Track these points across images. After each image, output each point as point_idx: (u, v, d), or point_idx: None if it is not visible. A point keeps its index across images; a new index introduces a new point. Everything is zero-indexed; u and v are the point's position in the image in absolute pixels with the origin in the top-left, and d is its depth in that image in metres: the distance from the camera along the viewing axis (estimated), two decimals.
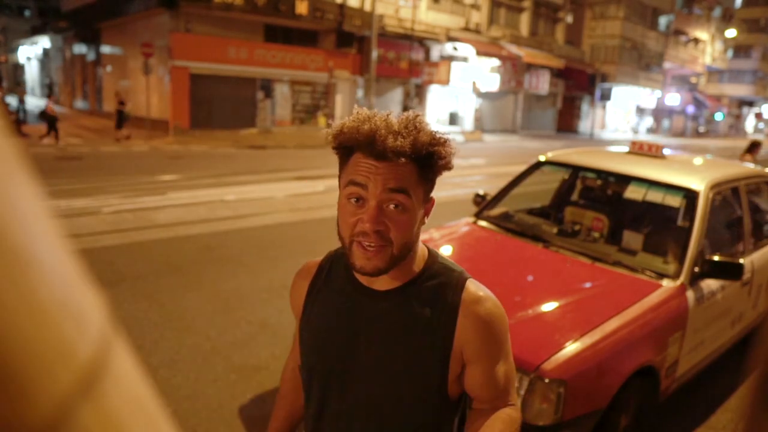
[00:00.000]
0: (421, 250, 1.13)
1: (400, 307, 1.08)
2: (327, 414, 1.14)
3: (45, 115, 15.25)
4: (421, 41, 24.93)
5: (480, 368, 1.08)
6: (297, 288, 1.22)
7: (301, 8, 19.50)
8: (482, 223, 3.79)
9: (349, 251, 1.02)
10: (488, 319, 1.08)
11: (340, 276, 1.16)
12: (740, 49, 51.92)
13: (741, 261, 2.97)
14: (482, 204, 4.09)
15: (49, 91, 16.11)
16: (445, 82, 25.39)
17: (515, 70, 28.78)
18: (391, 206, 0.99)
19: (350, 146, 1.01)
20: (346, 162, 1.03)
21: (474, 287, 1.10)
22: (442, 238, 3.57)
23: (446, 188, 10.76)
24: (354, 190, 0.99)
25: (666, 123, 45.29)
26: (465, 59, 26.32)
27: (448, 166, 1.06)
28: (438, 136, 1.02)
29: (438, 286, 1.09)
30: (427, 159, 1.00)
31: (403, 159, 0.98)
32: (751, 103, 55.79)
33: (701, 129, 48.18)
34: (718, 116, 49.43)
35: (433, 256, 1.14)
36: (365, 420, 1.10)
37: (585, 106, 36.67)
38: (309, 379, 1.17)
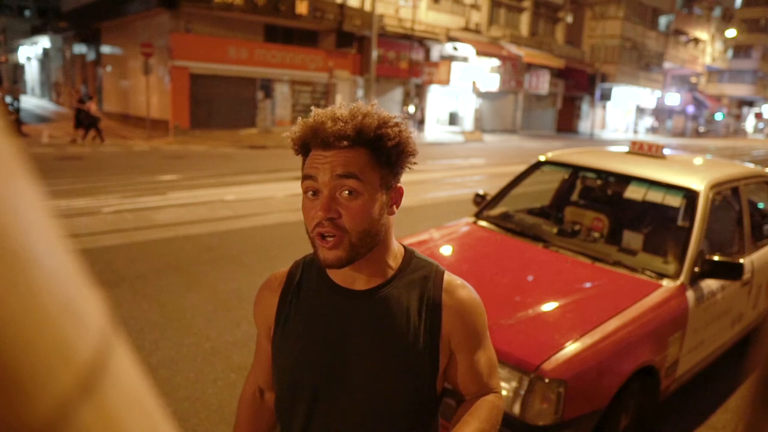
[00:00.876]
0: (398, 248, 1.13)
1: (383, 304, 1.07)
2: (315, 426, 1.10)
3: (87, 116, 15.41)
4: (421, 41, 24.93)
5: (465, 357, 1.11)
6: (264, 302, 1.18)
7: (301, 8, 19.50)
8: (482, 223, 3.80)
9: (314, 246, 1.03)
10: (470, 308, 1.11)
11: (314, 282, 1.13)
12: (740, 49, 51.91)
13: (741, 261, 2.97)
14: (482, 204, 4.09)
15: (75, 93, 16.19)
16: (445, 82, 25.39)
17: (515, 70, 28.78)
18: (345, 193, 0.98)
19: (305, 144, 1.03)
20: (305, 160, 1.05)
21: (452, 278, 1.14)
22: (442, 238, 3.58)
23: (446, 188, 10.76)
24: (308, 183, 1.00)
25: (669, 123, 45.26)
26: (465, 59, 26.33)
27: (406, 150, 1.04)
28: (388, 118, 1.02)
29: (418, 280, 1.10)
30: (376, 142, 1.00)
31: (345, 142, 0.98)
32: (751, 103, 55.77)
33: (701, 129, 48.18)
34: (718, 116, 49.41)
35: (409, 252, 1.15)
36: (360, 424, 1.08)
37: (585, 106, 36.67)
38: (291, 394, 1.12)
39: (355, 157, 0.99)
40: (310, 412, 1.10)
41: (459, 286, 1.12)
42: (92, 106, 15.51)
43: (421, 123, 25.25)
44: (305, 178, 1.01)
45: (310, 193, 1.01)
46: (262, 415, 1.25)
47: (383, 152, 1.01)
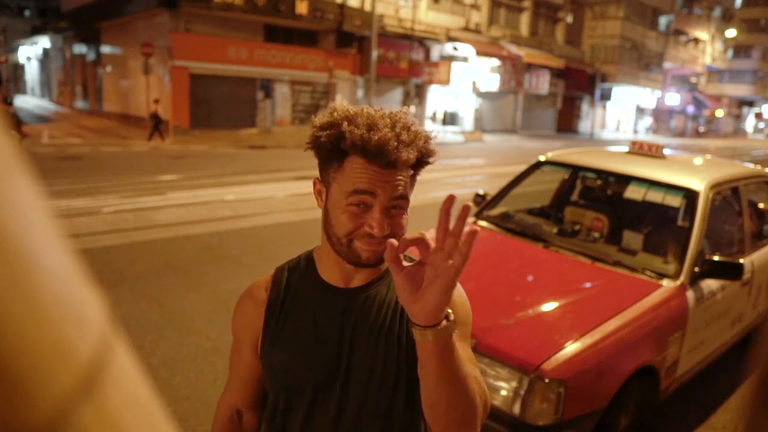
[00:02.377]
0: None
1: (378, 298, 1.09)
2: (314, 428, 1.09)
3: (155, 117, 16.55)
4: (421, 41, 24.92)
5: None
6: (247, 313, 1.14)
7: (301, 8, 19.50)
8: (482, 223, 3.80)
9: (347, 248, 1.01)
10: (458, 299, 1.13)
11: (306, 285, 1.12)
12: (740, 49, 51.90)
13: (741, 261, 2.97)
14: (482, 204, 4.09)
15: (154, 103, 16.89)
16: (445, 82, 25.38)
17: (515, 70, 28.78)
18: (393, 210, 1.00)
19: (343, 150, 0.98)
20: (340, 162, 0.99)
21: None
22: None
23: (446, 188, 10.75)
24: (360, 198, 0.98)
25: (673, 123, 45.22)
26: (465, 59, 26.32)
27: (431, 162, 1.07)
28: (426, 134, 1.03)
29: None
30: (421, 160, 1.02)
31: (410, 170, 1.00)
32: (751, 103, 55.77)
33: (701, 129, 48.18)
34: (719, 112, 49.39)
35: None
36: (358, 419, 1.07)
37: (585, 106, 36.67)
38: (288, 399, 1.10)
39: (408, 177, 1.01)
40: (308, 414, 1.09)
41: None
42: (159, 109, 16.71)
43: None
44: (357, 192, 0.97)
45: (356, 204, 0.99)
46: None
47: (422, 167, 1.04)
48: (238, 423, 1.21)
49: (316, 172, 1.07)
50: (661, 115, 44.69)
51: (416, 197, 1.06)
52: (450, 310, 0.89)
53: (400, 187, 0.99)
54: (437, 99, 27.49)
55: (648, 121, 43.38)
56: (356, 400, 1.07)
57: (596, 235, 3.69)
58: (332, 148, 0.99)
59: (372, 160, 0.96)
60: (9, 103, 17.50)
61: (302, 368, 1.09)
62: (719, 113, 49.18)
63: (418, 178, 1.07)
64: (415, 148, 0.98)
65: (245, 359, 1.16)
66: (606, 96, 36.87)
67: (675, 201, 3.40)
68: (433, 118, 27.40)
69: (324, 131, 0.99)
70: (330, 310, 1.09)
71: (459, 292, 1.14)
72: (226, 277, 5.23)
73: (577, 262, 3.21)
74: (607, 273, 3.08)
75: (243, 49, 19.34)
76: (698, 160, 4.22)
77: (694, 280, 3.03)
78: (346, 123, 0.97)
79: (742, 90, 51.90)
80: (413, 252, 1.07)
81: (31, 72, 39.42)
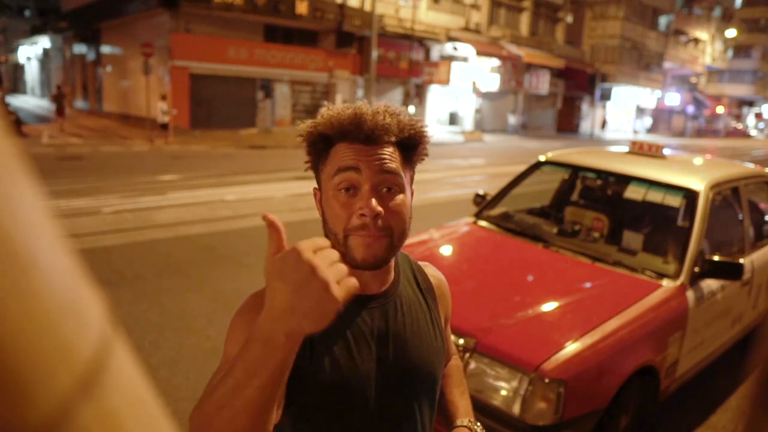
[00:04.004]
0: None
1: (401, 301, 1.06)
2: None
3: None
4: (421, 41, 24.92)
5: (446, 329, 1.20)
6: None
7: (301, 8, 19.50)
8: (482, 223, 3.79)
9: (345, 247, 0.94)
10: (445, 283, 1.20)
11: None
12: (740, 49, 51.91)
13: (741, 261, 2.97)
14: (482, 204, 4.09)
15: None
16: (445, 82, 25.39)
17: (515, 70, 28.78)
18: (384, 190, 0.93)
19: (330, 137, 0.95)
20: (325, 157, 0.97)
21: (420, 262, 1.19)
22: (442, 238, 3.57)
23: (446, 188, 10.76)
24: (345, 176, 0.93)
25: (676, 123, 45.20)
26: (465, 59, 26.33)
27: (426, 152, 1.02)
28: (416, 119, 1.00)
29: (408, 272, 1.12)
30: (409, 141, 0.97)
31: (392, 137, 0.94)
32: (751, 103, 55.77)
33: (701, 129, 48.22)
34: (720, 109, 49.36)
35: None
36: (398, 421, 1.02)
37: (585, 106, 36.67)
38: (333, 420, 0.97)
39: (394, 154, 0.95)
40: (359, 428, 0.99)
41: (429, 266, 1.19)
42: (166, 106, 17.24)
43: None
44: (341, 170, 0.93)
45: (344, 189, 0.93)
46: None
47: (413, 152, 0.99)
48: None
49: None
50: (661, 115, 44.68)
51: (416, 197, 1.04)
52: (479, 423, 0.97)
53: (386, 161, 0.93)
54: (437, 99, 27.49)
55: (648, 121, 43.36)
56: (399, 402, 1.01)
57: (596, 235, 3.69)
58: (315, 141, 0.97)
59: (353, 139, 0.94)
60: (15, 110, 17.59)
61: (351, 396, 0.97)
62: (720, 110, 49.17)
63: (418, 177, 1.04)
64: (395, 119, 0.95)
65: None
66: (606, 96, 36.87)
67: (675, 201, 3.40)
68: (436, 121, 27.41)
69: (307, 129, 0.99)
70: (362, 323, 1.00)
71: (441, 276, 1.19)
72: (226, 277, 5.23)
73: (577, 262, 3.21)
74: (607, 273, 3.08)
75: (243, 49, 19.34)
76: (698, 160, 4.22)
77: (694, 280, 3.03)
78: (322, 111, 0.99)
79: (742, 90, 51.92)
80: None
81: (31, 72, 39.41)
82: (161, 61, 18.15)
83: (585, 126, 36.72)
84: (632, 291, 2.88)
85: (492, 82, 27.85)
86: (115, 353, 0.23)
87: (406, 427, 1.03)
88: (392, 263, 1.04)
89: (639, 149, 4.00)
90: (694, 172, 3.62)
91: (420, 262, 1.17)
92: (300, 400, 0.95)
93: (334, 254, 0.72)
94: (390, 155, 0.94)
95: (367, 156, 0.93)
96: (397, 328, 1.02)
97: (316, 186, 1.03)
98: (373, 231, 0.92)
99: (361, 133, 0.93)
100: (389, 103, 1.00)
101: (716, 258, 3.01)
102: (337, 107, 0.98)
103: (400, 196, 0.95)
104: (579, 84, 34.41)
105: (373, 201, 0.91)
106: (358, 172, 0.93)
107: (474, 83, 26.68)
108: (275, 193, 9.51)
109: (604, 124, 36.08)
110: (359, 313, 1.00)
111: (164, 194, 8.95)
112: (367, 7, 21.49)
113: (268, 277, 0.73)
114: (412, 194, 1.04)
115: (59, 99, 18.58)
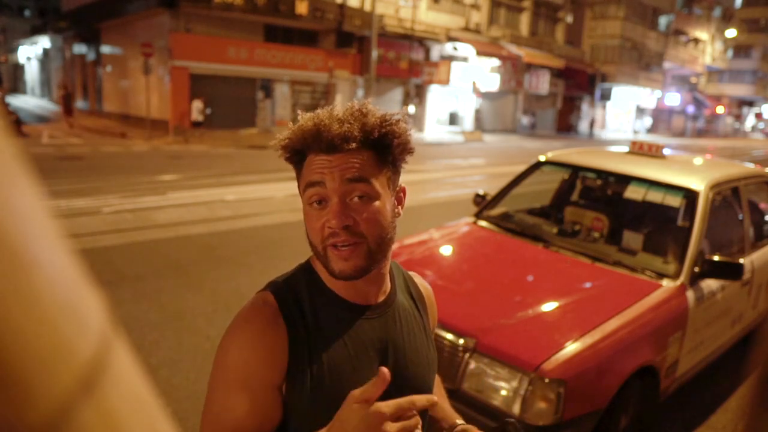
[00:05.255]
0: None
1: (399, 311, 1.05)
2: None
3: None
4: (421, 41, 24.93)
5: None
6: (267, 341, 0.92)
7: (301, 8, 19.50)
8: (482, 223, 3.79)
9: (325, 259, 0.93)
10: (432, 293, 1.19)
11: (323, 306, 0.98)
12: (740, 49, 51.92)
13: (741, 261, 2.98)
14: (482, 204, 4.09)
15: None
16: (445, 82, 25.39)
17: (515, 70, 28.79)
18: (355, 199, 0.92)
19: (301, 150, 0.95)
20: (300, 168, 0.97)
21: (411, 273, 1.19)
22: (442, 238, 3.58)
23: (446, 188, 10.76)
24: (313, 191, 0.92)
25: (676, 123, 45.18)
26: (465, 59, 26.33)
27: (407, 148, 0.98)
28: (388, 116, 0.96)
29: (401, 280, 1.12)
30: (381, 141, 0.94)
31: (353, 144, 0.91)
32: (751, 103, 55.78)
33: (701, 129, 48.23)
34: (720, 109, 49.36)
35: None
36: None
37: (585, 106, 36.68)
38: None
39: (363, 160, 0.92)
40: None
41: (417, 276, 1.19)
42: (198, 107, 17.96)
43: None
44: (309, 185, 0.92)
45: (316, 202, 0.92)
46: None
47: (388, 151, 0.95)
48: None
49: None
50: (661, 115, 44.67)
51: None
52: (461, 420, 0.92)
53: (351, 169, 0.91)
54: (437, 99, 27.50)
55: (648, 121, 43.35)
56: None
57: (596, 235, 3.69)
58: (289, 155, 0.97)
59: (316, 150, 0.93)
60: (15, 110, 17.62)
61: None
62: (720, 110, 49.17)
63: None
64: (358, 123, 0.92)
65: (255, 406, 0.91)
66: (606, 96, 36.87)
67: (675, 201, 3.40)
68: (436, 121, 27.43)
69: (279, 144, 0.98)
70: (362, 333, 0.98)
71: (428, 285, 1.19)
72: (226, 277, 5.24)
73: (577, 262, 3.21)
74: (607, 273, 3.08)
75: (243, 49, 19.34)
76: (698, 160, 4.22)
77: (694, 280, 3.03)
78: (292, 125, 0.98)
79: (742, 90, 51.93)
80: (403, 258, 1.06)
81: (31, 72, 39.43)
82: (161, 61, 18.15)
83: (585, 126, 36.71)
84: (632, 291, 2.88)
85: (492, 82, 27.85)
86: (115, 353, 0.23)
87: None
88: (386, 271, 1.02)
89: (639, 149, 4.00)
90: (694, 172, 3.62)
91: (409, 272, 1.18)
92: (300, 412, 0.93)
93: (414, 424, 0.80)
94: (355, 162, 0.92)
95: (330, 167, 0.91)
96: (396, 339, 1.02)
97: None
98: (346, 239, 0.91)
99: (321, 144, 0.91)
100: (364, 102, 0.97)
101: (716, 258, 3.01)
102: (305, 117, 0.96)
103: (375, 204, 0.93)
104: (579, 84, 34.42)
105: (339, 213, 0.90)
106: (323, 186, 0.92)
107: (474, 83, 26.68)
108: (275, 193, 9.51)
109: (592, 123, 36.11)
110: (359, 323, 0.99)
111: (164, 194, 8.95)
112: (367, 7, 21.49)
113: (347, 409, 0.80)
114: (404, 193, 1.02)
115: (67, 99, 19.55)
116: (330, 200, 0.91)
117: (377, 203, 0.93)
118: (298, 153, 0.96)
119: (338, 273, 0.92)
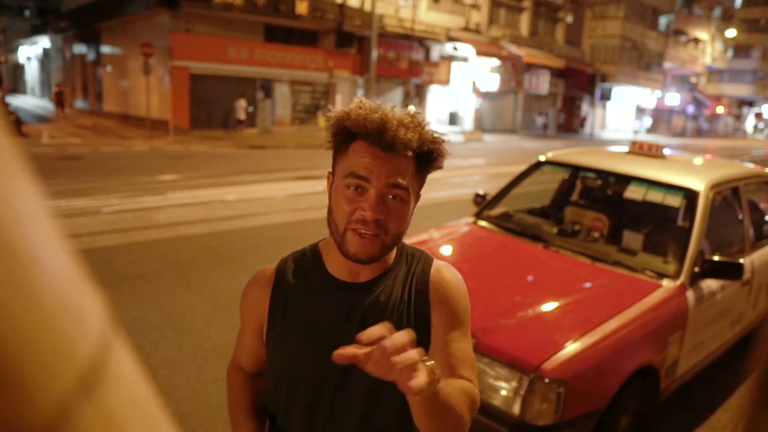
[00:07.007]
0: None
1: (384, 293, 1.10)
2: (316, 424, 1.09)
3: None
4: (421, 41, 24.92)
5: (441, 337, 1.09)
6: (254, 297, 1.16)
7: (301, 8, 19.49)
8: (482, 223, 3.79)
9: (342, 238, 1.02)
10: (453, 287, 1.13)
11: (312, 278, 1.12)
12: (740, 49, 51.91)
13: (741, 261, 2.97)
14: (482, 204, 4.09)
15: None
16: (445, 82, 25.39)
17: (515, 70, 28.78)
18: (390, 197, 1.00)
19: (354, 132, 1.01)
20: (345, 149, 1.03)
21: (439, 264, 1.17)
22: (442, 238, 3.58)
23: (446, 188, 10.75)
24: (357, 182, 1.00)
25: (676, 123, 45.15)
26: (465, 59, 26.32)
27: (441, 166, 1.08)
28: (438, 134, 1.05)
29: (413, 267, 1.14)
30: (427, 155, 1.03)
31: (410, 153, 1.00)
32: (751, 103, 55.77)
33: (702, 130, 48.23)
34: (720, 109, 49.34)
35: (402, 242, 1.17)
36: (362, 418, 1.08)
37: (585, 106, 36.67)
38: (290, 393, 1.11)
39: (408, 166, 1.01)
40: (311, 410, 1.09)
41: (443, 267, 1.17)
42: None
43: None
44: (353, 175, 1.00)
45: (353, 188, 1.00)
46: (254, 383, 1.24)
47: (428, 165, 1.04)
48: (252, 382, 1.24)
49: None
50: (661, 115, 44.67)
51: None
52: (432, 361, 0.86)
53: (398, 174, 0.99)
54: (437, 99, 27.49)
55: (648, 121, 43.33)
56: (364, 397, 1.07)
57: (596, 235, 3.69)
58: (339, 131, 1.03)
59: (373, 142, 0.99)
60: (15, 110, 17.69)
61: (306, 363, 1.09)
62: (720, 110, 49.17)
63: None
64: (417, 133, 1.00)
65: (248, 341, 1.19)
66: (606, 96, 36.86)
67: (675, 201, 3.40)
68: (436, 121, 27.42)
69: (336, 118, 1.04)
70: (337, 305, 1.09)
71: (460, 285, 1.15)
72: (226, 277, 5.23)
73: (577, 262, 3.21)
74: (607, 273, 3.08)
75: (243, 49, 19.33)
76: (698, 160, 4.22)
77: (694, 280, 3.03)
78: (354, 107, 1.03)
79: (742, 90, 51.92)
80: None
81: (31, 72, 39.41)
82: (161, 61, 18.15)
83: (587, 126, 36.69)
84: (632, 291, 2.88)
85: (492, 82, 27.85)
86: (115, 353, 0.23)
87: (355, 409, 1.07)
88: (387, 257, 1.11)
89: (639, 149, 4.00)
90: (694, 172, 3.62)
91: (441, 263, 1.18)
92: (269, 352, 1.15)
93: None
94: (403, 168, 1.00)
95: (380, 164, 0.99)
96: (366, 317, 1.06)
97: (331, 170, 1.09)
98: (371, 229, 0.99)
99: (382, 140, 0.98)
100: (418, 112, 1.04)
101: (716, 258, 3.01)
102: (367, 107, 1.02)
103: (405, 206, 1.03)
104: (579, 84, 34.41)
105: (376, 208, 0.98)
106: (367, 182, 1.00)
107: (474, 83, 26.68)
108: (275, 193, 9.51)
109: (583, 122, 36.04)
110: (337, 293, 1.09)
111: (164, 194, 8.95)
112: (367, 7, 21.49)
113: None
114: (417, 200, 1.10)
115: (59, 95, 21.78)
116: (368, 192, 1.00)
117: (406, 206, 1.04)
118: (349, 134, 1.02)
119: (351, 255, 1.02)
